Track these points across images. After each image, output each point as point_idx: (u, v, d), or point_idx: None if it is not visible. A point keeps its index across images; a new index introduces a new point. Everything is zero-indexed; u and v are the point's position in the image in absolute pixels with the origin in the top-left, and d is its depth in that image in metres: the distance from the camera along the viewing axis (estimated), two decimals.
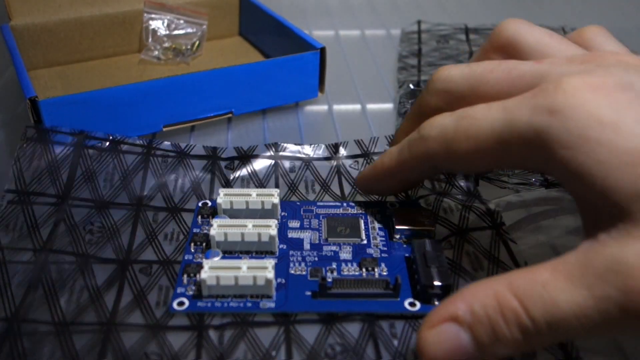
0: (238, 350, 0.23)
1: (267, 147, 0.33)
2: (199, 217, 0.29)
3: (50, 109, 0.31)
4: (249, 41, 0.48)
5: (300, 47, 0.39)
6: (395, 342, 0.23)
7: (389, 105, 0.41)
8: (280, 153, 0.33)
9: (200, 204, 0.30)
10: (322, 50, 0.38)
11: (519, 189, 0.31)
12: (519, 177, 0.32)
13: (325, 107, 0.40)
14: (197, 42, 0.45)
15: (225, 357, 0.22)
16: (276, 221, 0.27)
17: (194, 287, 0.25)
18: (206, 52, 0.45)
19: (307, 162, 0.33)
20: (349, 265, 0.26)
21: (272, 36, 0.44)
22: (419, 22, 0.53)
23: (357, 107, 0.38)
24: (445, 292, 0.24)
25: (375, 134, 0.36)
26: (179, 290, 0.25)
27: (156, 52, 0.44)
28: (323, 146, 0.34)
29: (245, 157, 0.33)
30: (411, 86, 0.40)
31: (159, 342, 0.23)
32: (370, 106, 0.40)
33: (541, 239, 0.29)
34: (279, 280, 0.25)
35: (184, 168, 0.32)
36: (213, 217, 0.28)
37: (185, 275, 0.25)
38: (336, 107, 0.41)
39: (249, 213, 0.28)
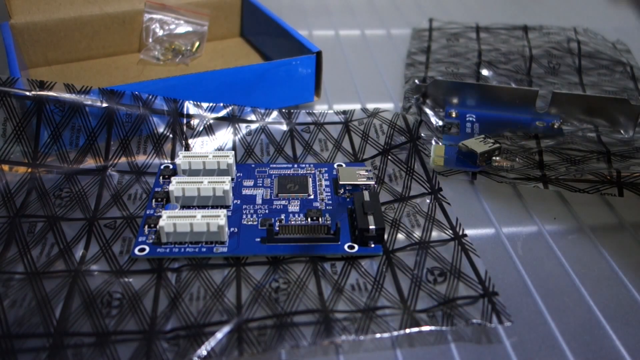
0: (193, 288, 0.25)
1: (225, 106, 0.35)
2: (161, 177, 0.31)
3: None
4: (250, 43, 0.48)
5: (299, 50, 0.39)
6: (336, 277, 0.26)
7: (389, 105, 0.42)
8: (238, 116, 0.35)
9: (162, 167, 0.32)
10: (318, 55, 0.38)
11: (516, 184, 0.33)
12: (516, 172, 0.33)
13: (325, 107, 0.41)
14: (197, 43, 0.45)
15: (181, 293, 0.25)
16: (230, 178, 0.29)
17: (154, 237, 0.27)
18: (206, 53, 0.45)
19: (262, 126, 0.35)
20: (296, 216, 0.29)
21: (273, 38, 0.44)
22: (430, 20, 0.55)
23: (357, 107, 0.38)
24: (380, 235, 0.27)
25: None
26: (140, 238, 0.27)
27: (155, 53, 0.43)
28: (276, 112, 0.36)
29: (205, 117, 0.35)
30: (417, 82, 0.41)
31: (121, 283, 0.25)
32: (371, 106, 0.39)
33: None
34: (232, 229, 0.28)
35: (147, 124, 0.33)
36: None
37: (146, 227, 0.28)
38: (336, 107, 0.41)
39: (206, 173, 0.31)
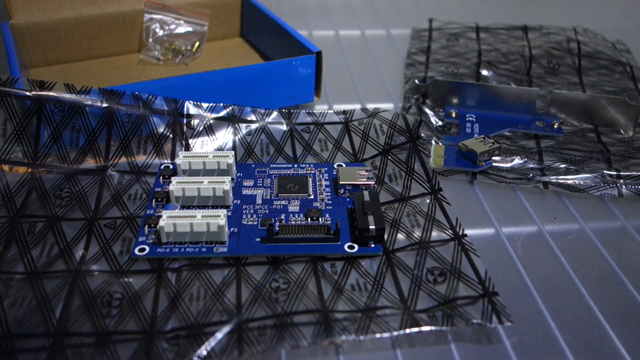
0: (193, 288, 0.25)
1: (225, 106, 0.35)
2: (161, 177, 0.31)
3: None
4: (250, 43, 0.48)
5: (299, 50, 0.39)
6: (336, 277, 0.26)
7: (389, 105, 0.42)
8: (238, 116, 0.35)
9: (162, 167, 0.32)
10: (318, 55, 0.38)
11: (516, 184, 0.33)
12: (516, 172, 0.33)
13: (325, 107, 0.41)
14: (197, 43, 0.45)
15: (181, 293, 0.25)
16: (230, 178, 0.29)
17: (154, 237, 0.27)
18: (206, 53, 0.45)
19: (262, 126, 0.35)
20: (296, 216, 0.29)
21: (273, 38, 0.44)
22: (430, 20, 0.54)
23: (357, 107, 0.38)
24: (380, 235, 0.27)
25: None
26: (140, 238, 0.27)
27: (156, 53, 0.44)
28: (276, 112, 0.36)
29: (205, 117, 0.35)
30: (417, 82, 0.41)
31: (121, 283, 0.25)
32: (371, 106, 0.39)
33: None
34: (232, 229, 0.28)
35: (147, 124, 0.33)
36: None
37: (146, 227, 0.28)
38: (336, 107, 0.41)
39: (206, 173, 0.31)
